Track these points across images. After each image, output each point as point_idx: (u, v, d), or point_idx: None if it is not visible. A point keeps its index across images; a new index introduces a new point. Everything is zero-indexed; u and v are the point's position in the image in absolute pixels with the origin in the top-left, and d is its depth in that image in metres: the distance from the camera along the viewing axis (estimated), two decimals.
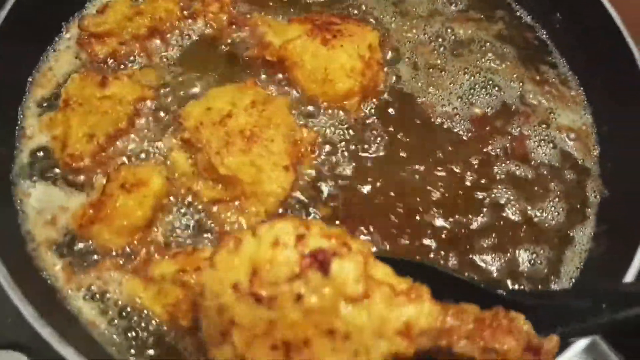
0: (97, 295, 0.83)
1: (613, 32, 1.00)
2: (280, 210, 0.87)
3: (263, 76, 1.00)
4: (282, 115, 0.90)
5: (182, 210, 0.89)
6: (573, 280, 0.90)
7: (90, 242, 0.85)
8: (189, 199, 0.89)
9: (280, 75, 0.99)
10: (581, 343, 0.74)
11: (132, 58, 1.01)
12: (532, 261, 0.91)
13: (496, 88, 1.05)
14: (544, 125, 1.03)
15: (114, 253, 0.85)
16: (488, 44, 1.11)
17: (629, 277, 0.81)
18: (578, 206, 0.96)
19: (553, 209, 0.96)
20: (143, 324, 0.82)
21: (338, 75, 0.95)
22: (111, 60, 1.00)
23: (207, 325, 0.66)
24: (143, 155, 0.92)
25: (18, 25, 0.92)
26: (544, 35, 1.14)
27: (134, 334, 0.81)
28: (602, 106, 1.05)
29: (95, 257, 0.85)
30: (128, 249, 0.85)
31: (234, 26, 1.05)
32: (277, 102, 0.92)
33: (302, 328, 0.60)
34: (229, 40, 1.05)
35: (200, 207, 0.89)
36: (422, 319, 0.61)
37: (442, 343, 0.62)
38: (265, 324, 0.61)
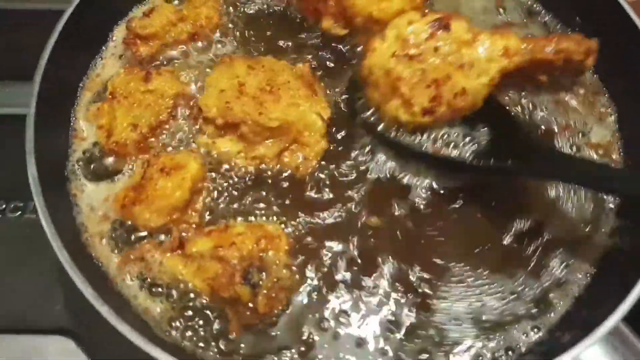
0: (144, 277, 0.86)
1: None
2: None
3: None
4: (273, 64, 0.99)
5: (215, 192, 0.93)
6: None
7: (136, 228, 0.89)
8: (226, 179, 0.94)
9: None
10: (604, 329, 0.74)
11: (172, 59, 1.06)
12: None
13: None
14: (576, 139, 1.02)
15: (157, 234, 0.88)
16: None
17: None
18: None
19: None
20: (186, 299, 0.84)
21: None
22: (152, 60, 1.05)
23: (376, 91, 0.95)
24: (181, 144, 0.97)
25: (71, 37, 1.00)
26: None
27: (179, 309, 0.84)
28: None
29: (141, 241, 0.89)
30: (167, 230, 0.88)
31: None
32: (261, 59, 1.01)
33: (443, 68, 0.90)
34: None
35: (233, 185, 0.93)
36: (513, 44, 0.91)
37: (530, 57, 0.91)
38: (420, 73, 0.91)
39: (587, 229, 0.94)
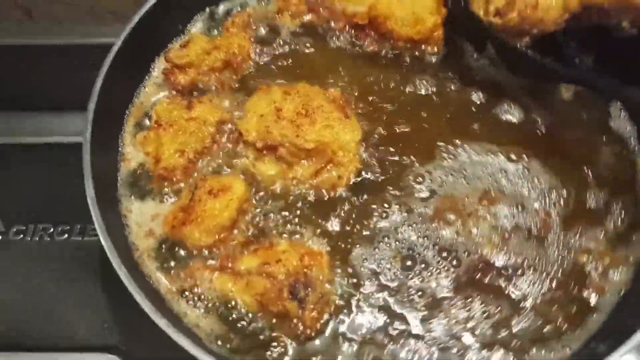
0: (194, 294, 0.91)
1: None
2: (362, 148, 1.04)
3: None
4: (307, 89, 1.06)
5: (258, 212, 0.98)
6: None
7: (183, 247, 0.94)
8: (268, 199, 1.00)
9: (372, 33, 1.18)
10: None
11: (208, 86, 1.13)
12: None
13: None
14: None
15: (204, 253, 0.93)
16: None
17: None
18: None
19: None
20: (237, 315, 0.89)
21: (425, 14, 1.14)
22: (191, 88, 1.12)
23: None
24: (224, 168, 1.03)
25: (118, 69, 1.06)
26: None
27: (229, 325, 0.89)
28: None
29: (189, 260, 0.94)
30: (214, 250, 0.94)
31: (310, 14, 1.21)
32: (296, 86, 1.07)
33: None
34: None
35: (274, 205, 0.99)
36: None
37: None
38: None
39: None
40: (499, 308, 0.90)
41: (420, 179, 1.02)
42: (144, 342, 1.08)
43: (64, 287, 1.14)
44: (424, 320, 0.90)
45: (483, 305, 0.90)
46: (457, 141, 1.05)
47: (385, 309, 0.90)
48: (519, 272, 0.93)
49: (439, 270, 0.93)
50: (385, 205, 0.99)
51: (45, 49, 1.43)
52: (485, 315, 0.90)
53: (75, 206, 1.21)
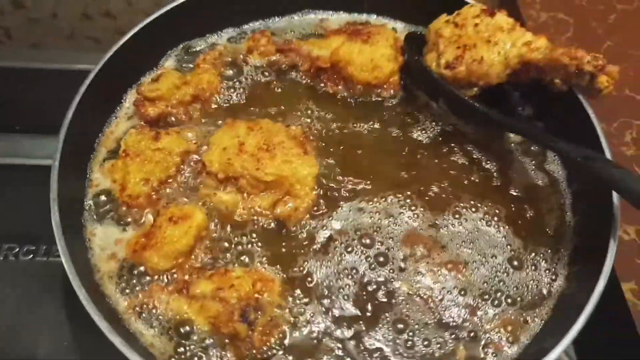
0: (151, 315, 0.96)
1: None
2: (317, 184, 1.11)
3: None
4: (270, 126, 1.13)
5: (215, 239, 1.04)
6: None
7: (143, 269, 0.99)
8: (225, 227, 1.06)
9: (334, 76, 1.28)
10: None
11: (175, 118, 1.20)
12: None
13: None
14: None
15: (161, 277, 0.99)
16: None
17: None
18: None
19: None
20: (191, 336, 0.94)
21: (382, 62, 1.24)
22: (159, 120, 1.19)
23: (426, 45, 1.23)
24: (186, 196, 1.09)
25: (91, 98, 1.12)
26: None
27: (182, 344, 0.94)
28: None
29: (148, 283, 0.99)
30: (172, 273, 0.99)
31: (278, 55, 1.31)
32: (260, 122, 1.15)
33: (474, 38, 1.13)
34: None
35: (231, 233, 1.05)
36: (538, 41, 1.08)
37: (548, 57, 1.05)
38: (456, 37, 1.14)
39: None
40: None
41: (372, 214, 1.09)
42: None
43: (26, 306, 1.18)
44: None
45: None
46: (409, 180, 1.13)
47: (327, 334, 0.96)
48: None
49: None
50: (340, 236, 1.06)
51: (22, 72, 1.49)
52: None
53: (41, 227, 1.25)
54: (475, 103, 1.13)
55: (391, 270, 1.02)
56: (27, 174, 1.33)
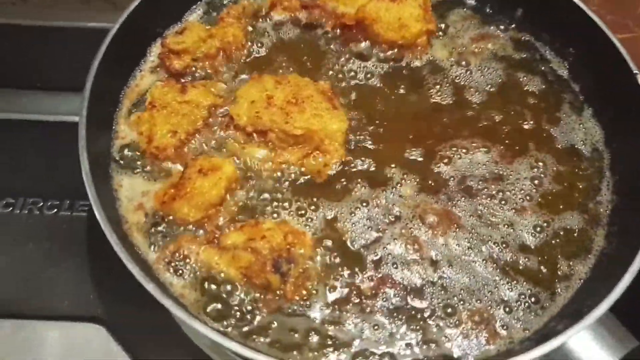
0: (180, 265, 0.95)
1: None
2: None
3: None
4: (298, 80, 1.12)
5: (245, 192, 1.03)
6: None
7: (171, 221, 0.99)
8: (255, 180, 1.05)
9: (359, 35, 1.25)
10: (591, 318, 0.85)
11: (200, 72, 1.18)
12: None
13: None
14: None
15: (191, 228, 0.98)
16: None
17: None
18: None
19: None
20: (221, 287, 0.94)
21: (410, 21, 1.19)
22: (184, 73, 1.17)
23: None
24: (213, 150, 1.07)
25: (115, 52, 1.10)
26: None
27: (212, 295, 0.93)
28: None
29: (175, 234, 0.98)
30: (201, 225, 0.98)
31: (302, 10, 1.27)
32: (287, 76, 1.13)
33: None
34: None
35: (261, 186, 1.04)
36: None
37: None
38: None
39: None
40: None
41: (396, 172, 1.08)
42: (127, 314, 1.13)
43: (51, 259, 1.18)
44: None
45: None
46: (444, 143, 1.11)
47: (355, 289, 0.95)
48: None
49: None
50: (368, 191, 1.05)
51: (43, 30, 1.47)
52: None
53: (65, 183, 1.27)
54: None
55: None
56: (50, 131, 1.33)
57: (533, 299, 0.96)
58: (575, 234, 1.03)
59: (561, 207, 1.06)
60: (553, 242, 1.02)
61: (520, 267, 0.99)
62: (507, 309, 0.95)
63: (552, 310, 0.95)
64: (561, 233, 1.03)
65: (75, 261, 1.17)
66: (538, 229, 1.03)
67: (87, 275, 1.16)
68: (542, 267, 0.99)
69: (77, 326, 1.10)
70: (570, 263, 1.00)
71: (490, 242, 1.01)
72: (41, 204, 1.24)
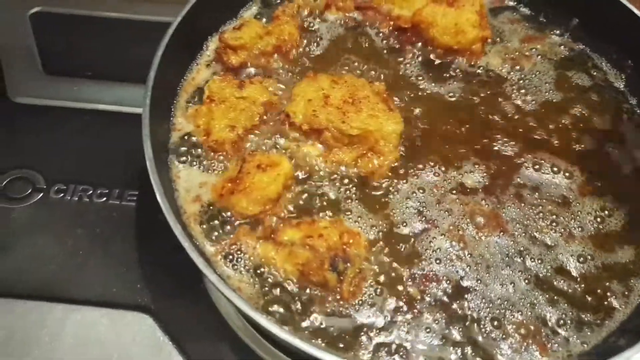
0: (237, 259, 0.96)
1: None
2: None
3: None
4: (354, 80, 1.12)
5: (300, 190, 1.04)
6: None
7: (228, 214, 0.99)
8: (309, 178, 1.05)
9: (413, 38, 1.25)
10: None
11: (256, 68, 1.19)
12: None
13: None
14: None
15: (247, 222, 0.99)
16: None
17: None
18: None
19: None
20: (277, 282, 0.94)
21: (467, 27, 1.20)
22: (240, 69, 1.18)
23: None
24: (269, 146, 1.08)
25: (175, 46, 1.11)
26: None
27: (269, 289, 0.94)
28: None
29: (232, 227, 0.99)
30: (258, 220, 0.99)
31: (356, 12, 1.29)
32: (343, 76, 1.14)
33: None
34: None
35: (315, 184, 1.05)
36: None
37: None
38: None
39: None
40: None
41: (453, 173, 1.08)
42: (174, 304, 1.14)
43: (99, 246, 1.19)
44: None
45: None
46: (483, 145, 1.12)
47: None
48: None
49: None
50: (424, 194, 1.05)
51: (113, 22, 1.50)
52: None
53: (115, 173, 1.29)
54: None
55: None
56: (106, 121, 1.35)
57: (575, 318, 0.95)
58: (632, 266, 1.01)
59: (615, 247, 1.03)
60: (597, 273, 0.99)
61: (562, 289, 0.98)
62: (551, 323, 0.94)
63: (611, 326, 0.94)
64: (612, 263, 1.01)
65: (123, 250, 1.19)
66: (581, 259, 1.01)
67: (135, 264, 1.17)
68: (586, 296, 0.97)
69: (124, 314, 1.11)
70: (630, 282, 0.98)
71: (528, 255, 1.00)
72: (91, 191, 1.25)
